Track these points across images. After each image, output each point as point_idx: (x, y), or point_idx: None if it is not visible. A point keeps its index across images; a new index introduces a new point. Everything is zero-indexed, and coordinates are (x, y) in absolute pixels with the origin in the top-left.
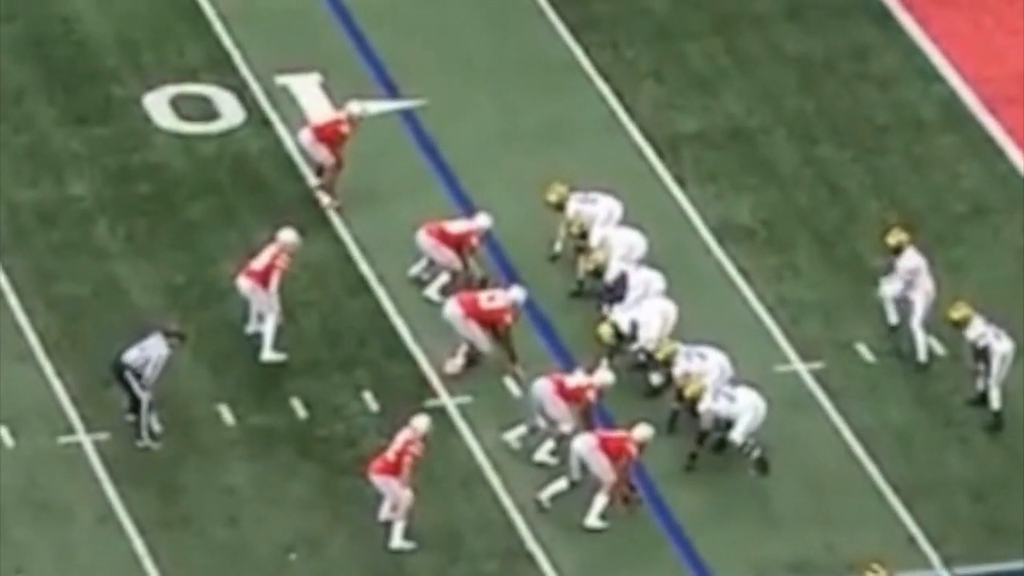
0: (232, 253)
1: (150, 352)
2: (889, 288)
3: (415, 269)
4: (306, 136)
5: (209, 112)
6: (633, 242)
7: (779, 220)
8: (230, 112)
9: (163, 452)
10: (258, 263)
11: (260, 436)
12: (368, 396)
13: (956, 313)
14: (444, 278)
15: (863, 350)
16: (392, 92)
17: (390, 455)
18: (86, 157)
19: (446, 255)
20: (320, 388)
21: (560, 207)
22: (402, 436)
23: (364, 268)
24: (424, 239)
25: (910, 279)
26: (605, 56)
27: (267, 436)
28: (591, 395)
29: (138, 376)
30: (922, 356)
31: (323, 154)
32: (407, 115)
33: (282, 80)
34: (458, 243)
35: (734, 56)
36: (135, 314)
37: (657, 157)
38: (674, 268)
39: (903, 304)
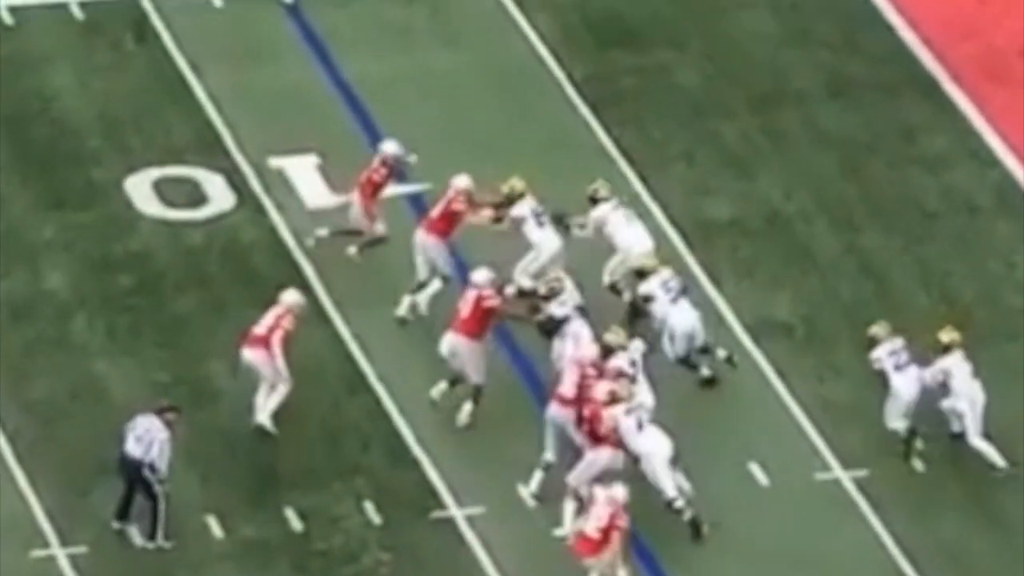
0: (222, 350)
1: (152, 438)
2: (946, 402)
3: (401, 310)
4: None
5: (197, 197)
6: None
7: (820, 315)
8: (220, 196)
9: (147, 567)
10: (261, 327)
11: (252, 550)
12: (369, 506)
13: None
14: (436, 285)
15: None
16: (398, 175)
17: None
18: (63, 245)
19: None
20: (317, 498)
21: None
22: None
23: (364, 365)
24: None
25: (943, 380)
26: (630, 136)
27: (260, 550)
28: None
29: (154, 470)
30: (999, 462)
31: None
32: (415, 200)
33: (276, 162)
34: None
35: (771, 136)
36: (116, 416)
37: (686, 246)
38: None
39: (954, 416)
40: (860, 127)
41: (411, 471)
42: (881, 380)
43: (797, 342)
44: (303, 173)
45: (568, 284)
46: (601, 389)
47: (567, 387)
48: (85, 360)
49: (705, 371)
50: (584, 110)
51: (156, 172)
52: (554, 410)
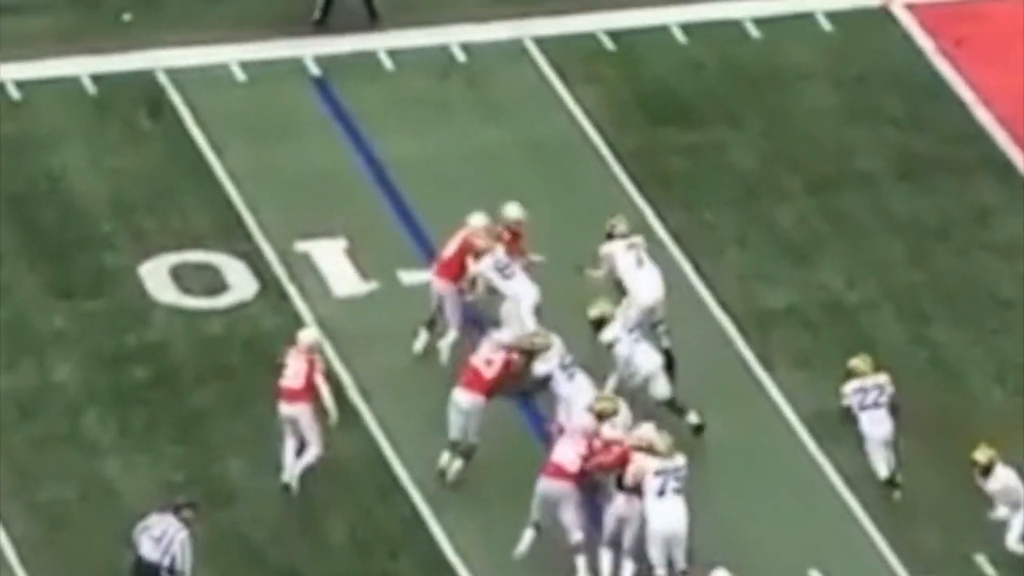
0: (242, 447)
1: (170, 539)
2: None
3: (417, 345)
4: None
5: (216, 284)
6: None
7: None
8: (241, 283)
9: None
10: (295, 379)
11: None
12: None
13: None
14: (452, 335)
15: (983, 563)
16: (434, 259)
17: None
18: (73, 336)
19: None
20: None
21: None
22: None
23: (398, 469)
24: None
25: (1010, 499)
26: (680, 219)
27: None
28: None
29: (173, 573)
30: None
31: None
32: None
33: (302, 246)
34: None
35: (833, 219)
36: (128, 519)
37: (740, 335)
38: (759, 466)
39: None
40: (929, 210)
41: None
42: (849, 417)
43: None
44: (331, 258)
45: (554, 340)
46: (641, 433)
47: (568, 459)
48: (96, 459)
49: (693, 418)
50: (631, 189)
51: (173, 258)
52: (551, 485)
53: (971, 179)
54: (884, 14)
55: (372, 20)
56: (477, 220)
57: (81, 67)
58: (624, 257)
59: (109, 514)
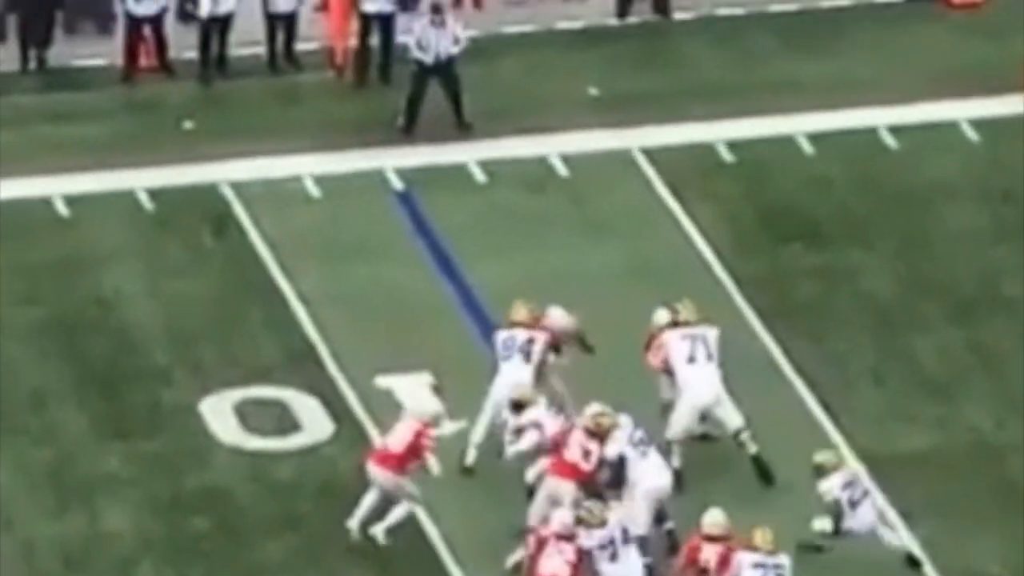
0: None
1: None
2: None
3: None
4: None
5: (286, 422)
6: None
7: None
8: (314, 423)
9: None
10: (394, 445)
11: None
12: None
13: None
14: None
15: None
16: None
17: None
18: (126, 480)
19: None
20: None
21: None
22: None
23: None
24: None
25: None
26: (806, 350)
27: None
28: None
29: None
30: None
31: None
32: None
33: (383, 381)
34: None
35: (978, 352)
36: None
37: (875, 480)
38: None
39: None
40: None
41: None
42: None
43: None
44: (415, 394)
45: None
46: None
47: (558, 569)
48: None
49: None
50: (752, 318)
51: (237, 393)
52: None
53: None
54: None
55: (462, 127)
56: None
57: (137, 180)
58: (678, 347)
59: None
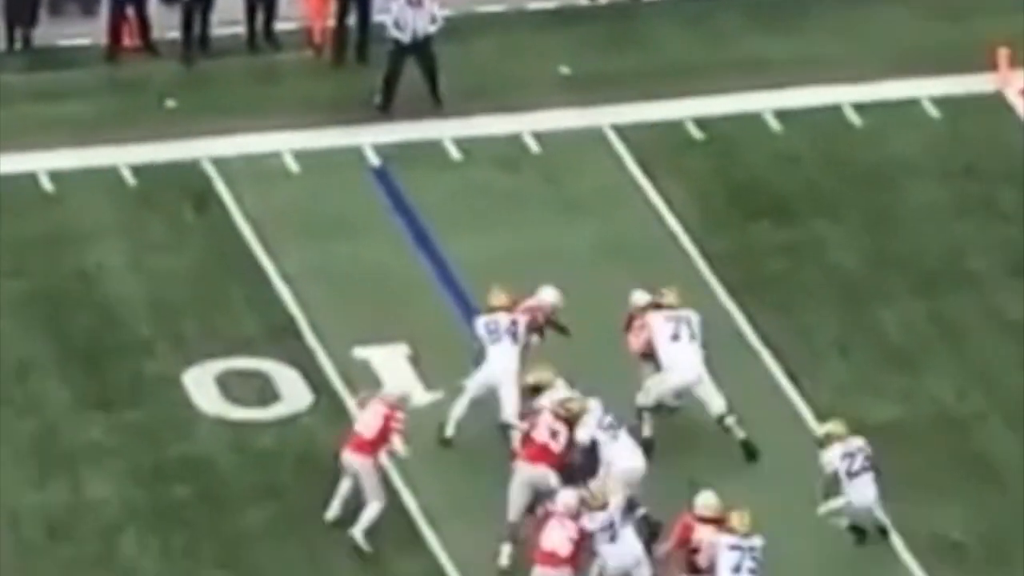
0: (294, 571)
1: None
2: None
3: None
4: None
5: (266, 393)
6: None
7: (1000, 534)
8: (293, 393)
9: None
10: (368, 429)
11: None
12: None
13: None
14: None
15: None
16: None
17: None
18: (109, 450)
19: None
20: None
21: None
22: None
23: None
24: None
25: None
26: (775, 324)
27: None
28: None
29: None
30: None
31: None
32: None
33: (361, 352)
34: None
35: (941, 324)
36: None
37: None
38: None
39: None
40: None
41: None
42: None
43: (972, 565)
44: (392, 365)
45: (592, 403)
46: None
47: (560, 544)
48: None
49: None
50: (721, 292)
51: (219, 365)
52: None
53: None
54: (998, 100)
55: (437, 105)
56: (550, 296)
57: (120, 157)
58: (662, 327)
59: None
